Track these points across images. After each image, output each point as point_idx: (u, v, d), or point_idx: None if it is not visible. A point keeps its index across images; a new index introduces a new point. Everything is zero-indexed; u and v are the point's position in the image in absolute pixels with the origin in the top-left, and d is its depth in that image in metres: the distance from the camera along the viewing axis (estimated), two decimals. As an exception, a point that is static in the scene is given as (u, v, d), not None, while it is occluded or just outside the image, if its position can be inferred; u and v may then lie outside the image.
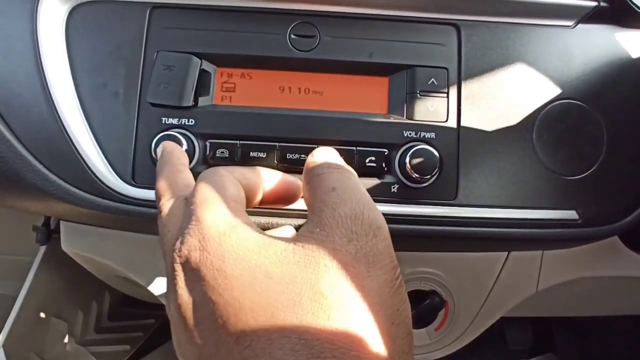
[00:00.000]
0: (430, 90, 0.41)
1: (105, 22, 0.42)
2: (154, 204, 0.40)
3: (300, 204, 0.32)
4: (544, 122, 0.42)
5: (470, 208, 0.41)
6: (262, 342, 0.21)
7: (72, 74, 0.41)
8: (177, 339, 0.25)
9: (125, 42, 0.41)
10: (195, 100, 0.41)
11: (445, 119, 0.41)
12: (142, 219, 0.41)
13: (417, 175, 0.40)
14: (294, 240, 0.24)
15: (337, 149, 0.40)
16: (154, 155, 0.40)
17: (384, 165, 0.41)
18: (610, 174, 0.42)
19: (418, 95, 0.41)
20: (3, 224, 0.74)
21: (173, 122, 0.41)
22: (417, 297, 0.55)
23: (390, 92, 0.42)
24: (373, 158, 0.41)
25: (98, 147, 0.41)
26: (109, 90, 0.41)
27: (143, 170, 0.41)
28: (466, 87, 0.42)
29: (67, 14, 0.42)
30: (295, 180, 0.31)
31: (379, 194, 0.41)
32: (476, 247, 0.51)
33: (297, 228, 0.27)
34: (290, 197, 0.31)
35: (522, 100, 0.42)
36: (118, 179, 0.41)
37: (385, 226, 0.25)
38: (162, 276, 0.55)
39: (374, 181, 0.41)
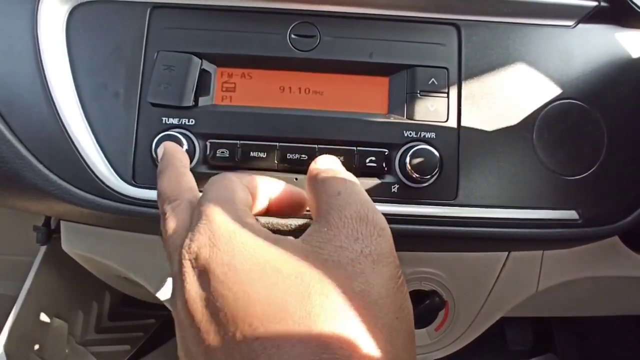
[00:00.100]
0: (431, 90, 0.41)
1: (105, 22, 0.42)
2: (154, 204, 0.40)
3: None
4: (544, 122, 0.42)
5: (471, 208, 0.41)
6: (272, 335, 0.21)
7: (73, 74, 0.41)
8: (182, 335, 0.25)
9: (126, 42, 0.41)
10: (196, 100, 0.41)
11: (445, 119, 0.41)
12: (143, 219, 0.41)
13: (417, 175, 0.40)
14: (301, 239, 0.25)
15: (337, 149, 0.41)
16: (154, 155, 0.40)
17: (384, 165, 0.41)
18: (610, 174, 0.42)
19: (418, 95, 0.41)
20: (3, 224, 0.74)
21: (173, 122, 0.41)
22: (417, 297, 0.55)
23: (391, 92, 0.42)
24: (373, 158, 0.41)
25: (98, 147, 0.41)
26: (109, 90, 0.41)
27: (143, 170, 0.41)
28: (466, 87, 0.42)
29: (67, 14, 0.42)
30: (301, 192, 0.31)
31: (379, 194, 0.41)
32: (476, 247, 0.51)
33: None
34: (295, 208, 0.31)
35: (523, 100, 0.42)
36: (118, 178, 0.41)
37: (388, 228, 0.26)
38: (163, 276, 0.55)
39: (374, 181, 0.41)
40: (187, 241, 0.25)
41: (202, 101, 0.42)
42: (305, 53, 0.42)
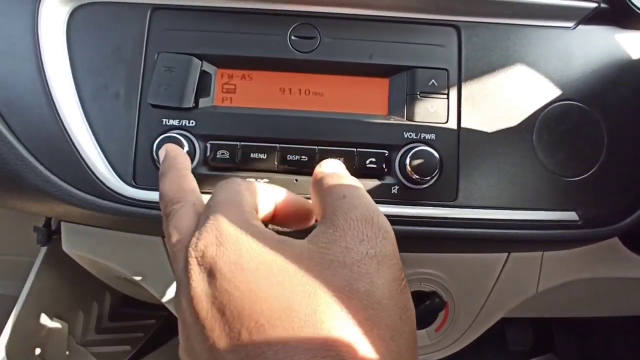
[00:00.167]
0: (431, 92, 0.41)
1: (106, 23, 0.42)
2: (154, 205, 0.41)
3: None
4: (544, 124, 0.42)
5: (471, 209, 0.41)
6: (278, 332, 0.21)
7: (73, 75, 0.41)
8: (185, 333, 0.25)
9: (126, 44, 0.41)
10: (196, 101, 0.41)
11: (445, 120, 0.41)
12: (143, 220, 0.41)
13: (417, 177, 0.40)
14: (307, 240, 0.25)
15: (337, 150, 0.41)
16: (155, 156, 0.40)
17: (384, 166, 0.41)
18: (610, 175, 0.43)
19: (418, 96, 0.41)
20: (4, 225, 0.74)
21: (174, 124, 0.41)
22: (417, 298, 0.55)
23: (391, 93, 0.42)
24: (373, 159, 0.41)
25: (99, 148, 0.41)
26: (109, 92, 0.41)
27: (144, 171, 0.41)
28: (466, 88, 0.42)
29: (68, 15, 0.42)
30: (307, 202, 0.32)
31: (379, 195, 0.41)
32: (476, 248, 0.51)
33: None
34: (302, 217, 0.31)
35: (522, 102, 0.42)
36: (119, 180, 0.41)
37: (392, 231, 0.26)
38: (163, 277, 0.55)
39: (374, 182, 0.41)
40: (194, 240, 0.25)
41: (203, 102, 0.42)
42: (306, 54, 0.42)
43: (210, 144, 0.41)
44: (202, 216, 0.26)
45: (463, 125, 0.41)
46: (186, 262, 0.25)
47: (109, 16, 0.42)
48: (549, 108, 0.42)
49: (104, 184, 0.40)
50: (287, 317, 0.22)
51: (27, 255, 0.69)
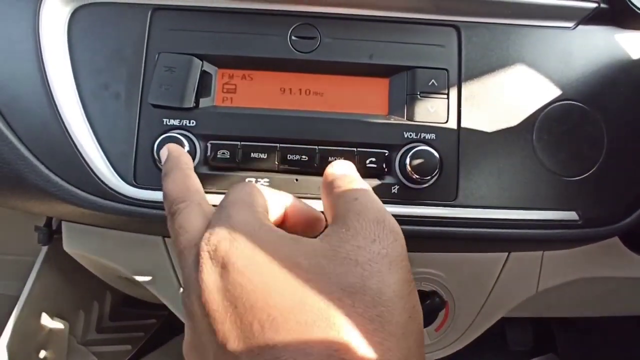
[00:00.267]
0: (431, 92, 0.42)
1: (107, 23, 0.42)
2: (155, 205, 0.41)
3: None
4: (544, 123, 0.42)
5: (471, 209, 0.41)
6: (290, 325, 0.22)
7: (74, 75, 0.41)
8: (192, 327, 0.25)
9: (127, 44, 0.42)
10: (197, 101, 0.41)
11: (445, 120, 0.41)
12: (144, 219, 0.41)
13: (417, 176, 0.40)
14: (319, 238, 0.25)
15: (337, 150, 0.41)
16: (155, 156, 0.40)
17: (384, 166, 0.41)
18: (610, 175, 0.43)
19: (418, 96, 0.41)
20: (5, 224, 0.75)
21: (174, 123, 0.41)
22: (417, 298, 0.55)
23: (391, 93, 0.42)
24: (373, 159, 0.41)
25: (100, 148, 0.41)
26: (110, 92, 0.41)
27: (144, 171, 0.41)
28: (466, 88, 0.42)
29: (69, 16, 0.42)
30: (316, 210, 0.32)
31: (379, 195, 0.40)
32: (476, 247, 0.51)
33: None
34: (310, 225, 0.32)
35: (523, 102, 0.42)
36: (119, 179, 0.41)
37: (402, 234, 0.26)
38: (163, 276, 0.55)
39: (374, 182, 0.41)
40: (207, 235, 0.25)
41: (203, 102, 0.42)
42: (306, 54, 0.42)
43: (211, 143, 0.41)
44: (215, 214, 0.27)
45: (463, 125, 0.41)
46: (197, 257, 0.25)
47: (109, 17, 0.42)
48: (549, 108, 0.42)
49: (104, 183, 0.40)
50: (300, 311, 0.22)
51: (28, 255, 0.69)
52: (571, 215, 0.42)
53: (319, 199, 0.36)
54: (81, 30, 0.42)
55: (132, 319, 0.83)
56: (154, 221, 0.41)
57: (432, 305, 0.55)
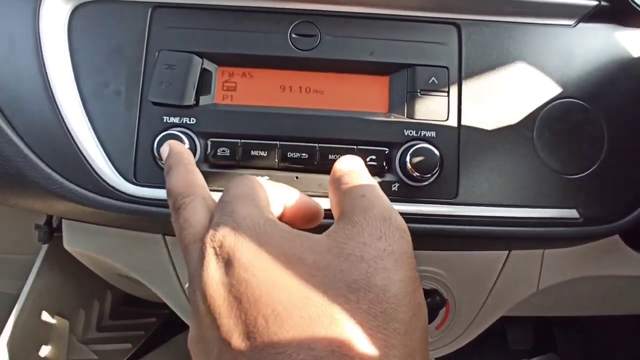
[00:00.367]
0: (431, 89, 0.42)
1: (107, 21, 0.42)
2: (155, 203, 0.41)
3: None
4: (544, 121, 0.42)
5: (471, 207, 0.41)
6: (294, 321, 0.22)
7: (75, 73, 0.41)
8: (197, 322, 0.25)
9: (127, 42, 0.42)
10: (197, 99, 0.41)
11: (445, 118, 0.41)
12: (144, 217, 0.41)
13: (417, 174, 0.40)
14: (325, 234, 0.25)
15: (337, 148, 0.41)
16: (155, 153, 0.40)
17: (384, 164, 0.41)
18: (611, 173, 0.43)
19: (419, 94, 0.41)
20: (5, 223, 0.75)
21: (174, 121, 0.41)
22: (418, 296, 0.55)
23: (391, 91, 0.42)
24: (374, 157, 0.41)
25: (100, 146, 0.41)
26: (111, 90, 0.41)
27: (145, 168, 0.41)
28: (467, 86, 0.42)
29: (69, 14, 0.42)
30: (316, 203, 0.32)
31: (379, 193, 0.41)
32: (477, 245, 0.51)
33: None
34: (310, 218, 0.32)
35: (523, 99, 0.42)
36: (120, 177, 0.41)
37: (408, 231, 0.26)
38: (163, 274, 0.55)
39: (374, 180, 0.41)
40: (211, 230, 0.25)
41: (203, 100, 0.42)
42: (306, 52, 0.42)
43: (211, 141, 0.41)
44: (218, 209, 0.27)
45: (463, 122, 0.41)
46: (202, 252, 0.25)
47: (110, 14, 0.42)
48: (549, 106, 0.42)
49: (105, 181, 0.40)
50: (305, 307, 0.22)
51: (28, 253, 0.69)
52: (571, 213, 0.42)
53: (319, 196, 0.36)
54: (81, 29, 0.42)
55: (133, 318, 0.83)
56: (154, 219, 0.41)
57: (432, 303, 0.55)
